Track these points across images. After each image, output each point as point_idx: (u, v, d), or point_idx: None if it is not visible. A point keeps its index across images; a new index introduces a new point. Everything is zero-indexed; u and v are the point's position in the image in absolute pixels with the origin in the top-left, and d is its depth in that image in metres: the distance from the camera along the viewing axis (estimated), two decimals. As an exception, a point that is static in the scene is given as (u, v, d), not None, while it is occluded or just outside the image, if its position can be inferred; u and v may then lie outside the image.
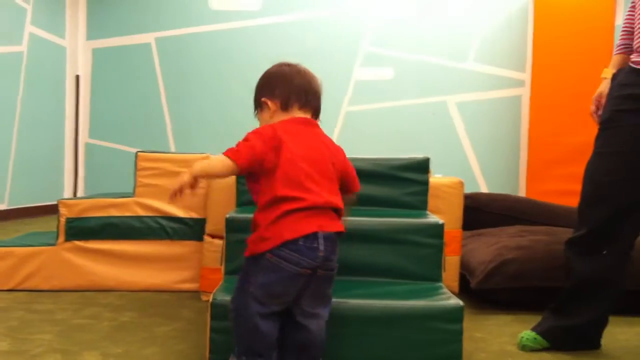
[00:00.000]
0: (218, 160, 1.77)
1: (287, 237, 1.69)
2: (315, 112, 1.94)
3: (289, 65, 1.97)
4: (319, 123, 1.95)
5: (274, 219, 1.72)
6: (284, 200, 1.72)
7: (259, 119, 1.97)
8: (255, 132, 1.81)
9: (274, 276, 1.70)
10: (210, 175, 1.99)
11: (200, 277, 3.09)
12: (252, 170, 1.78)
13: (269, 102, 1.90)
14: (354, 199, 2.02)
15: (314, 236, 1.71)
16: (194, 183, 1.76)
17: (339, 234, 1.79)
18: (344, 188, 1.92)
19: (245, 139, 1.79)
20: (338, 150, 1.93)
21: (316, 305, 1.78)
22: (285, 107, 1.89)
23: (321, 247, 1.71)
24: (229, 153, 1.75)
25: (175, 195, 1.76)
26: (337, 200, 1.82)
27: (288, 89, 1.89)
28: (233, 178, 2.84)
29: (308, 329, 1.76)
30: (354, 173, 1.97)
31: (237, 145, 1.78)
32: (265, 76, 1.96)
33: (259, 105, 1.95)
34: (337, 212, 1.81)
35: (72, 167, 7.30)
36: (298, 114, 1.89)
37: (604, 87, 2.39)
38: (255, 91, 1.96)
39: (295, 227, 1.70)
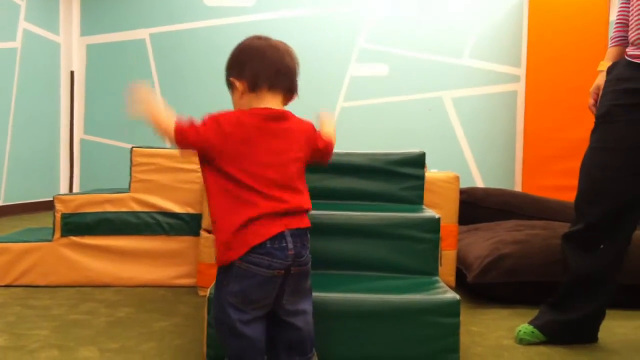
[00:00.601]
0: (166, 123, 1.71)
1: (252, 243, 1.62)
2: (288, 91, 1.80)
3: (259, 38, 1.84)
4: (291, 102, 1.84)
5: (238, 227, 1.63)
6: (242, 207, 1.65)
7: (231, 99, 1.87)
8: (210, 120, 1.73)
9: (247, 282, 1.63)
10: (154, 127, 1.74)
11: (197, 272, 3.09)
12: (196, 152, 1.73)
13: (237, 83, 1.78)
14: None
15: (281, 236, 1.64)
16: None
17: (306, 231, 1.74)
18: (315, 161, 1.88)
19: (202, 122, 1.72)
20: (305, 133, 1.81)
21: (298, 301, 1.73)
22: (253, 87, 1.76)
23: (290, 246, 1.65)
24: (178, 126, 1.70)
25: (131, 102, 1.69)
26: (302, 201, 1.73)
27: (256, 68, 1.75)
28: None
29: (296, 326, 1.72)
30: (325, 148, 1.89)
31: (189, 122, 1.72)
32: (235, 53, 1.83)
33: (228, 84, 1.84)
34: (302, 212, 1.74)
35: (67, 163, 7.29)
36: (267, 96, 1.76)
37: (601, 79, 2.38)
38: (225, 68, 1.85)
39: (260, 232, 1.63)
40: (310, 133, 1.84)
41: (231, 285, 1.65)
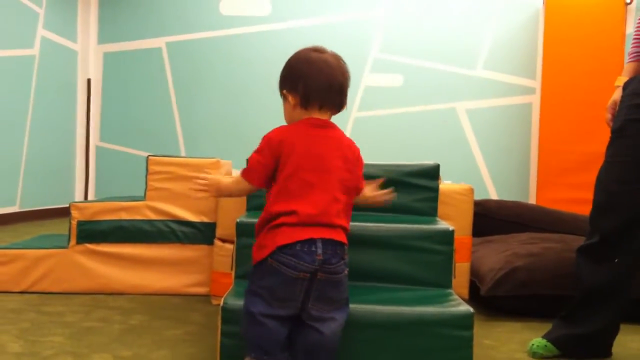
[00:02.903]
0: (236, 183, 1.88)
1: (281, 243, 1.70)
2: (338, 107, 1.88)
3: (315, 50, 1.90)
4: (337, 115, 1.90)
5: (270, 227, 1.75)
6: (280, 215, 1.74)
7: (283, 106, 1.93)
8: (262, 143, 1.82)
9: (276, 279, 1.71)
10: (232, 196, 2.00)
11: (210, 281, 3.10)
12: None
13: (290, 97, 1.85)
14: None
15: (311, 241, 1.70)
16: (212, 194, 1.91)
17: (342, 243, 1.77)
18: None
19: (255, 151, 1.83)
20: (350, 148, 1.88)
21: (325, 309, 1.75)
22: (305, 104, 1.84)
23: (319, 251, 1.70)
24: (244, 175, 1.85)
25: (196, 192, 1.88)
26: (338, 219, 1.77)
27: (309, 86, 1.82)
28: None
29: (319, 331, 1.74)
30: (362, 184, 1.94)
31: (249, 160, 1.83)
32: (290, 64, 1.89)
33: (281, 95, 1.90)
34: (337, 227, 1.77)
35: (83, 170, 7.34)
36: (316, 113, 1.84)
37: (617, 95, 2.38)
38: (279, 78, 1.91)
39: (290, 235, 1.71)
40: (356, 152, 1.91)
41: (262, 280, 1.74)
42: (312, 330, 1.75)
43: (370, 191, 1.99)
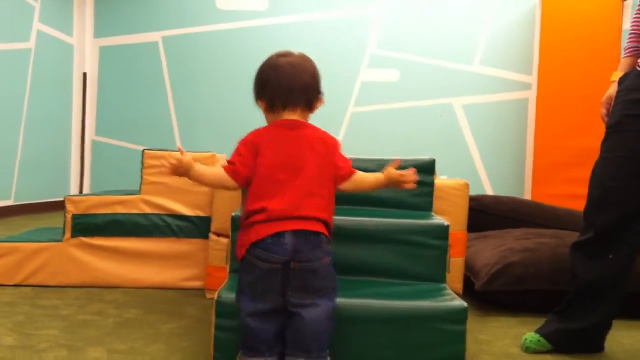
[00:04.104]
0: (213, 174, 1.93)
1: (254, 239, 1.79)
2: (306, 105, 1.94)
3: (280, 55, 1.97)
4: (309, 115, 1.96)
5: (245, 225, 1.84)
6: (253, 213, 1.82)
7: None
8: (239, 145, 1.92)
9: (254, 274, 1.79)
10: (202, 183, 1.97)
11: (205, 274, 3.10)
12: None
13: (260, 103, 1.96)
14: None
15: (280, 233, 1.77)
16: (184, 175, 1.89)
17: (315, 232, 1.81)
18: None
19: (234, 154, 1.91)
20: (324, 142, 1.92)
21: (306, 297, 1.79)
22: (271, 108, 1.94)
23: (287, 242, 1.77)
24: (228, 170, 1.89)
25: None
26: (311, 208, 1.82)
27: (272, 90, 1.91)
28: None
29: (300, 315, 1.77)
30: (342, 171, 1.96)
31: (232, 160, 1.90)
32: (257, 73, 1.98)
33: (256, 104, 1.99)
34: (309, 218, 1.82)
35: (78, 164, 7.33)
36: (284, 115, 1.92)
37: (613, 90, 2.38)
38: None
39: (262, 230, 1.78)
40: (330, 144, 1.94)
41: (243, 277, 1.84)
42: (295, 317, 1.78)
43: (394, 172, 2.01)
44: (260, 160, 1.86)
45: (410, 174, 2.01)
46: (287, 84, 1.90)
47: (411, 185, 2.03)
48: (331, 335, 1.84)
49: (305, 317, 1.77)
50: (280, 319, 1.80)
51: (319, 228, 1.83)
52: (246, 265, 1.82)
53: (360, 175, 2.00)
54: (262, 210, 1.80)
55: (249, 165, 1.87)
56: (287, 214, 1.79)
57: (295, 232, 1.78)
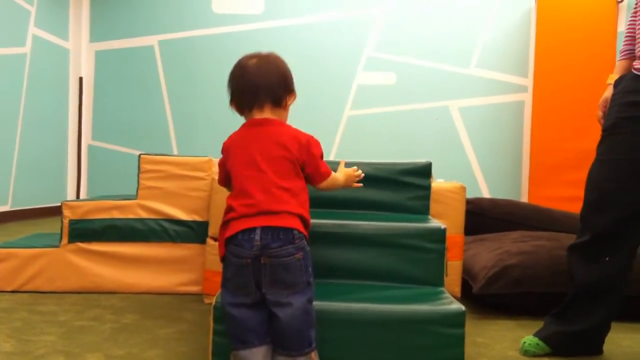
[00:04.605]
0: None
1: (227, 235, 1.84)
2: (274, 104, 1.96)
3: (246, 59, 2.00)
4: (284, 112, 2.00)
5: (223, 225, 1.89)
6: (227, 212, 1.89)
7: None
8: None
9: (229, 270, 1.85)
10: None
11: (203, 279, 3.09)
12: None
13: (232, 106, 2.02)
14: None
15: (251, 230, 1.80)
16: None
17: (285, 228, 1.83)
18: (309, 180, 2.00)
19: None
20: (295, 138, 1.93)
21: (280, 293, 1.80)
22: (241, 109, 1.99)
23: (257, 237, 1.79)
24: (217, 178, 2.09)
25: None
26: (279, 202, 1.84)
27: (239, 91, 1.97)
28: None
29: (277, 317, 1.79)
30: (313, 168, 1.97)
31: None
32: (228, 77, 2.02)
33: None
34: (280, 212, 1.84)
35: (75, 169, 7.32)
36: (254, 114, 1.96)
37: (609, 92, 2.39)
38: None
39: (233, 227, 1.83)
40: (302, 141, 1.94)
41: (223, 273, 1.88)
42: (273, 317, 1.81)
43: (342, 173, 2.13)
44: (231, 161, 1.93)
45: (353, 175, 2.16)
46: (252, 84, 1.94)
47: (357, 185, 2.18)
48: (313, 328, 1.84)
49: (282, 317, 1.79)
50: (263, 310, 1.83)
51: (292, 223, 1.83)
52: (225, 261, 1.87)
53: (333, 175, 2.06)
54: (232, 209, 1.86)
55: (223, 169, 1.99)
56: (256, 209, 1.82)
57: (265, 229, 1.80)
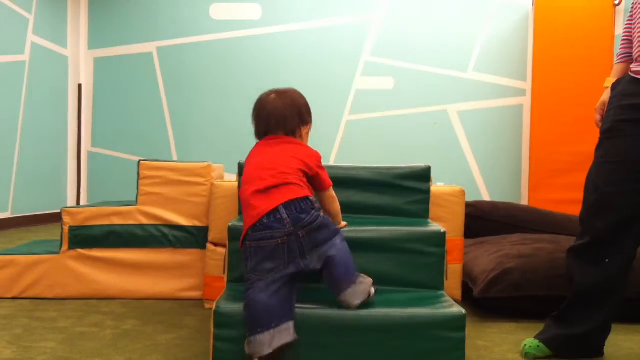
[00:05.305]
0: None
1: (250, 223, 1.96)
2: (286, 134, 2.18)
3: (266, 94, 2.24)
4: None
5: (244, 221, 2.04)
6: (246, 207, 2.04)
7: None
8: None
9: (259, 256, 1.94)
10: None
11: (203, 285, 3.10)
12: None
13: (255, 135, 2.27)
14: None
15: (275, 210, 1.95)
16: None
17: (300, 198, 1.99)
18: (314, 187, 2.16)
19: None
20: (303, 150, 2.15)
21: (320, 248, 1.96)
22: (258, 137, 2.25)
23: (284, 215, 1.94)
24: None
25: None
26: (289, 177, 2.03)
27: (257, 123, 2.23)
28: (235, 186, 2.88)
29: (330, 258, 1.95)
30: (319, 177, 2.17)
31: None
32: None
33: None
34: (290, 183, 2.02)
35: (74, 176, 7.32)
36: (270, 139, 2.19)
37: (606, 96, 2.40)
38: None
39: (254, 214, 1.97)
40: (312, 156, 2.17)
41: (248, 263, 1.97)
42: (327, 262, 1.95)
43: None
44: (245, 169, 2.14)
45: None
46: (266, 117, 2.19)
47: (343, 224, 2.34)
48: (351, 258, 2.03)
49: (333, 254, 1.95)
50: (286, 289, 1.92)
51: (302, 192, 2.01)
52: (246, 251, 1.97)
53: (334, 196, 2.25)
54: (249, 204, 2.01)
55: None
56: (267, 184, 1.99)
57: (287, 205, 1.95)
